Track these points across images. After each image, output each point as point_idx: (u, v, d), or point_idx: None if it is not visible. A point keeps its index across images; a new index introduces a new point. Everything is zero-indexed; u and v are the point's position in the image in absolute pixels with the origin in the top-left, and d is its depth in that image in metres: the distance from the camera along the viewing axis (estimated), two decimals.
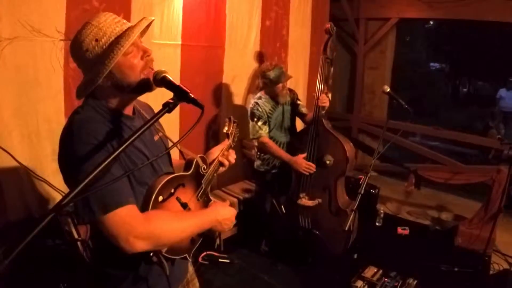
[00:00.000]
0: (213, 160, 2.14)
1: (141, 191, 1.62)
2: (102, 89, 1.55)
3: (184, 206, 1.76)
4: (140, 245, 1.47)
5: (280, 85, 4.01)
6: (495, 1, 5.43)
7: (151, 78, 1.52)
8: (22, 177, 3.18)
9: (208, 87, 4.68)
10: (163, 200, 1.66)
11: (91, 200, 1.41)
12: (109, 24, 1.50)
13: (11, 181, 3.14)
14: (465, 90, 18.02)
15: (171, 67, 4.01)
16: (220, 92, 4.87)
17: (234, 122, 2.45)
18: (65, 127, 1.53)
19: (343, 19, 6.74)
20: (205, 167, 2.02)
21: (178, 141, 1.47)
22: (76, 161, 1.43)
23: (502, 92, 10.73)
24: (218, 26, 4.59)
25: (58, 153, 1.52)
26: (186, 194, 1.83)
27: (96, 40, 1.47)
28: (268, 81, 4.00)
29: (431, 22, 15.03)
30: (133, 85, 1.55)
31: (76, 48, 1.51)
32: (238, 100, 5.08)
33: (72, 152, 1.44)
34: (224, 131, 2.39)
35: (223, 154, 2.22)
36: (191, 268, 2.23)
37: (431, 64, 17.40)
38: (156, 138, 1.84)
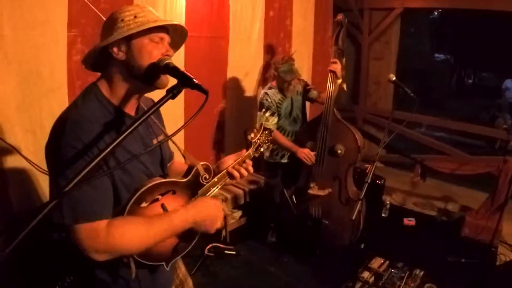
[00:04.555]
0: (220, 171, 1.94)
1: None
2: (112, 68, 1.57)
3: None
4: (101, 258, 1.47)
5: (288, 81, 4.04)
6: None
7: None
8: (26, 171, 3.18)
9: (213, 79, 4.65)
10: (146, 205, 1.59)
11: (64, 205, 1.39)
12: (150, 12, 1.58)
13: (16, 175, 3.13)
14: (470, 81, 17.95)
15: (175, 58, 3.83)
16: (225, 84, 4.85)
17: (265, 130, 2.15)
18: (60, 119, 1.51)
19: (347, 9, 6.68)
20: (207, 176, 1.85)
21: (179, 128, 1.41)
22: (60, 162, 1.42)
23: (508, 82, 10.67)
24: (221, 17, 4.56)
25: (47, 140, 1.50)
26: (175, 202, 1.71)
27: (135, 17, 1.53)
28: (278, 74, 4.05)
29: (436, 13, 14.96)
30: (142, 70, 1.53)
31: (113, 16, 1.56)
32: (243, 91, 5.06)
33: (59, 151, 1.43)
34: (249, 138, 2.08)
35: (237, 164, 1.97)
36: (183, 268, 2.20)
37: (436, 55, 17.32)
38: (155, 141, 1.77)
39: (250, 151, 2.05)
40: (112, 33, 1.52)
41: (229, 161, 1.98)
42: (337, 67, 3.85)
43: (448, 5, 6.42)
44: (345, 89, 4.03)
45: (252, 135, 2.08)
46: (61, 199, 1.07)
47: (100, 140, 1.45)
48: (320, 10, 5.96)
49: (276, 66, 4.06)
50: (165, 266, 1.73)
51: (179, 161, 2.06)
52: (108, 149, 1.18)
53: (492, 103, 11.60)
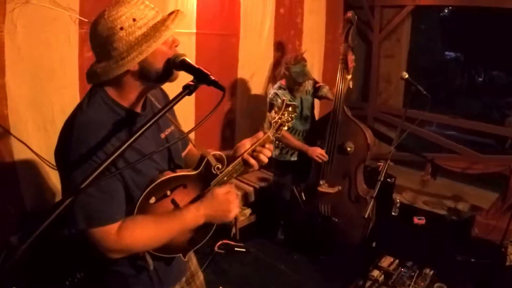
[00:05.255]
0: (236, 158, 1.79)
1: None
2: (122, 76, 1.46)
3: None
4: (115, 256, 1.50)
5: (298, 83, 4.01)
6: None
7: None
8: (38, 167, 3.21)
9: (224, 76, 4.64)
10: (156, 201, 1.58)
11: (76, 211, 1.41)
12: (145, 7, 1.43)
13: (27, 171, 3.16)
14: (480, 79, 17.81)
15: (187, 55, 3.92)
16: (236, 81, 4.85)
17: (288, 106, 1.93)
18: (67, 122, 1.49)
19: (358, 7, 6.64)
20: (220, 166, 1.73)
21: (195, 126, 1.39)
22: (69, 166, 1.41)
23: None
24: (232, 14, 4.56)
25: (56, 144, 1.49)
26: (187, 196, 1.69)
27: (134, 20, 1.38)
28: (289, 74, 3.98)
29: (446, 10, 14.86)
30: (159, 73, 1.48)
31: (108, 25, 1.39)
32: (253, 88, 5.06)
33: (68, 155, 1.41)
34: (269, 118, 1.89)
35: (254, 150, 1.79)
36: (195, 260, 2.19)
37: (447, 52, 17.21)
38: (163, 135, 1.72)
39: (270, 132, 1.84)
40: (115, 45, 1.38)
41: (247, 145, 1.81)
42: (351, 59, 3.85)
43: (459, 2, 6.37)
44: (351, 86, 4.01)
45: (274, 114, 1.91)
46: (73, 200, 1.08)
47: (107, 142, 1.43)
48: (331, 8, 5.94)
49: (287, 66, 3.97)
50: (182, 257, 1.75)
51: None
52: (121, 150, 1.17)
53: (502, 101, 11.52)
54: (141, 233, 1.51)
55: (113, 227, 1.46)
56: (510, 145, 7.54)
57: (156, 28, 1.40)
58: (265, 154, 1.79)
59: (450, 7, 13.19)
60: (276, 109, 1.94)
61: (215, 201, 1.64)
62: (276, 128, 1.89)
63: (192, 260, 2.15)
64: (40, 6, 2.96)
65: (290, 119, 1.93)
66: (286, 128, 1.94)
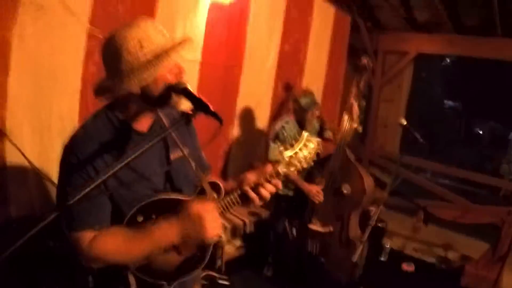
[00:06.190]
0: (236, 189, 1.65)
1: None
2: (126, 95, 1.50)
3: None
4: (89, 264, 1.56)
5: (310, 112, 4.06)
6: None
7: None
8: (28, 173, 3.14)
9: (223, 106, 4.63)
10: (143, 221, 1.56)
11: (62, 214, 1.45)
12: (156, 33, 1.47)
13: (17, 175, 3.09)
14: (477, 129, 17.98)
15: (189, 83, 3.90)
16: (234, 112, 4.84)
17: (309, 140, 1.67)
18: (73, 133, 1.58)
19: (361, 49, 6.73)
20: (215, 196, 1.65)
21: (186, 153, 1.43)
22: (60, 177, 1.55)
23: None
24: (238, 46, 4.58)
25: None
26: None
27: (141, 45, 1.42)
28: (298, 107, 4.06)
29: (448, 60, 15.11)
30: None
31: (115, 44, 1.44)
32: (251, 121, 5.04)
33: (60, 166, 1.54)
34: (282, 152, 1.64)
35: (258, 183, 1.62)
36: None
37: (446, 101, 17.42)
38: (173, 156, 1.72)
39: (279, 167, 1.62)
40: (120, 66, 1.43)
41: (251, 177, 1.64)
42: (356, 109, 3.86)
43: (460, 52, 6.46)
44: (360, 130, 4.04)
45: (288, 146, 1.66)
46: (57, 216, 1.12)
47: (98, 157, 1.48)
48: (335, 48, 6.02)
49: (295, 99, 4.09)
50: (166, 285, 1.67)
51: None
52: (113, 171, 1.23)
53: (498, 153, 11.64)
54: (110, 244, 1.52)
55: (89, 234, 1.50)
56: (503, 196, 7.56)
57: (161, 57, 1.43)
58: (269, 190, 1.62)
59: (452, 58, 13.42)
60: (293, 141, 1.69)
61: (189, 217, 1.51)
62: (287, 163, 1.64)
63: None
64: (53, 13, 2.97)
65: (309, 156, 1.66)
66: (305, 166, 1.67)
